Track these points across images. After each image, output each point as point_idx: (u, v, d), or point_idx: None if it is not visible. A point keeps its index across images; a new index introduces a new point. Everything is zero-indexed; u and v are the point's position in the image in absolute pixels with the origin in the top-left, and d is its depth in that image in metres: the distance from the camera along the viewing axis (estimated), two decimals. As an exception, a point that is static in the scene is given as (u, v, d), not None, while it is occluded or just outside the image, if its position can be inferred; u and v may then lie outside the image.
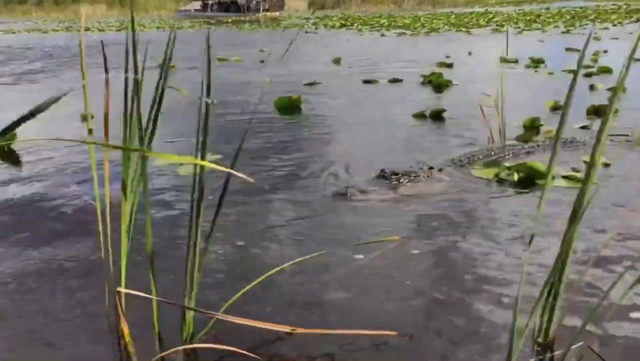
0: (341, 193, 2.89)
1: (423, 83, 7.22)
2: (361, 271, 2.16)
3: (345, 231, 2.53)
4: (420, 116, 5.11)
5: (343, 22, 26.58)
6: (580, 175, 3.10)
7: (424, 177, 3.08)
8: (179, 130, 4.55)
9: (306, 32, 20.70)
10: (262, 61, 10.38)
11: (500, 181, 3.15)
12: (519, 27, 18.13)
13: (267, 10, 43.74)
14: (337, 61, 9.90)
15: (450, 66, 8.88)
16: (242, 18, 34.56)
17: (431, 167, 3.20)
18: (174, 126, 4.69)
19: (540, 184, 3.04)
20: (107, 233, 1.73)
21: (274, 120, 5.28)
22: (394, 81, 7.45)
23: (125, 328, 1.60)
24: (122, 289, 1.56)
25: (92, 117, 1.89)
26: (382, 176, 3.04)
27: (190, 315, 1.64)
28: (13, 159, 4.07)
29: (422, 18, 26.94)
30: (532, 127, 4.47)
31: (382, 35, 17.09)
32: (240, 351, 1.57)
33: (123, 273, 1.61)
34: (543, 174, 3.10)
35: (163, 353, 1.61)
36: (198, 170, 1.49)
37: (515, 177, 3.12)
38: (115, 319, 1.68)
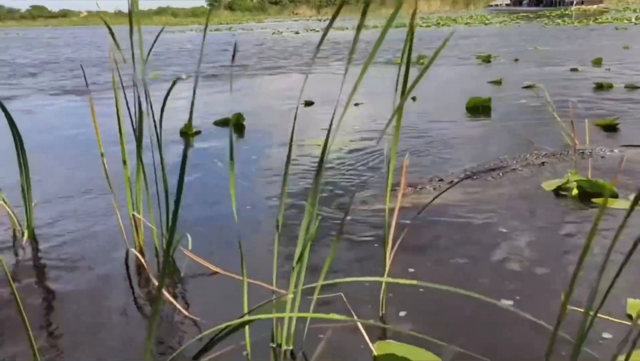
0: (344, 203, 2.98)
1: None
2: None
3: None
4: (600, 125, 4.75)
5: (680, 16, 22.40)
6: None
7: (430, 188, 3.05)
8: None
9: (616, 28, 18.43)
10: (516, 60, 10.24)
11: (560, 196, 3.04)
12: None
13: (582, 3, 39.36)
14: (597, 62, 9.08)
15: None
16: (557, 12, 32.22)
17: (441, 180, 3.16)
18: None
19: (595, 202, 2.90)
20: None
21: (456, 119, 5.49)
22: (632, 87, 6.67)
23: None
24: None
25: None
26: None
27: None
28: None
29: None
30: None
31: None
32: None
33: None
34: (608, 191, 2.94)
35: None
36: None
37: (574, 192, 3.01)
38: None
